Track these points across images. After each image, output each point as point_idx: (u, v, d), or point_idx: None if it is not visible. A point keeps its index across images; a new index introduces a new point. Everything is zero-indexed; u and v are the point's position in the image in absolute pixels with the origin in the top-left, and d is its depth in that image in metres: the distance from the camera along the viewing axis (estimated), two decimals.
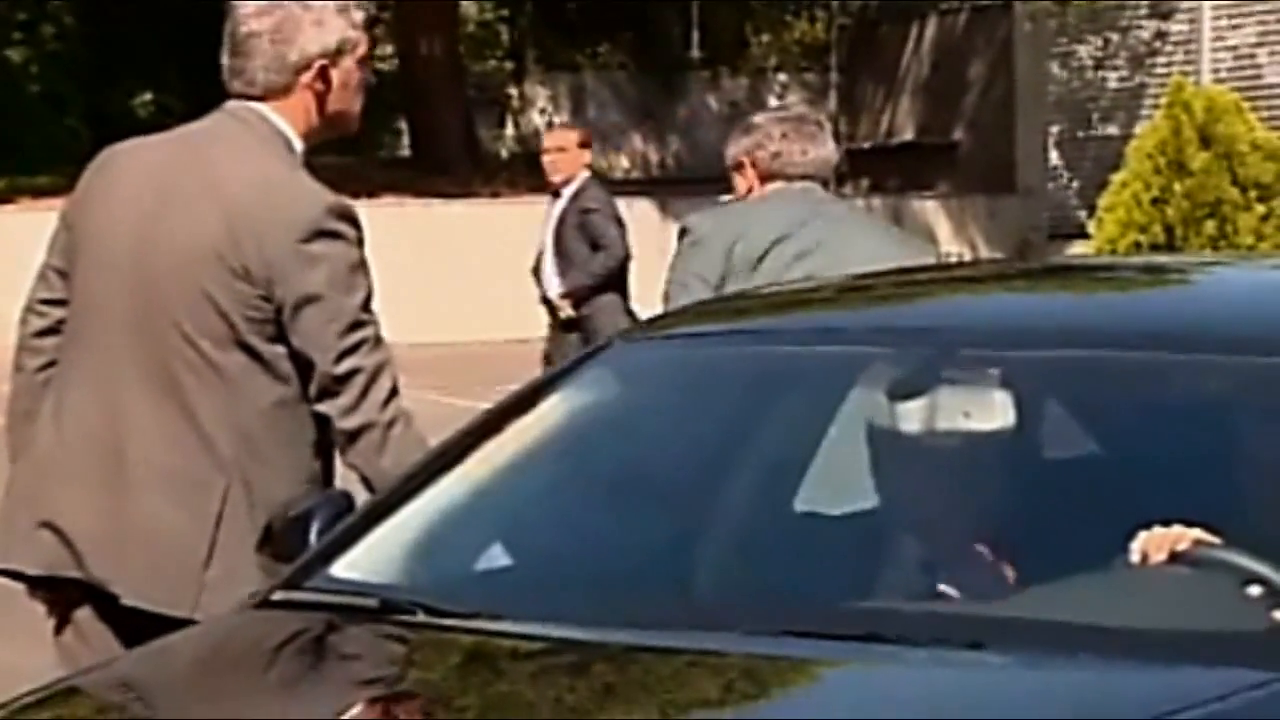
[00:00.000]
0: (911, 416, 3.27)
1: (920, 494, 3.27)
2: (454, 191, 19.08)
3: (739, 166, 5.22)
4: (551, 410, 3.58)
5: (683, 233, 5.12)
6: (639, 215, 19.92)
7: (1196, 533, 2.97)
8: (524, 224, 19.19)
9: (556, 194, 10.55)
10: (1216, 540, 2.97)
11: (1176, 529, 2.97)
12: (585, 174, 10.61)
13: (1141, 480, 3.22)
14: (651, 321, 3.70)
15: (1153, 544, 2.98)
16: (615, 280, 10.44)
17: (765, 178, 5.15)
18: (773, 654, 2.88)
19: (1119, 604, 2.91)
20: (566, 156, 10.52)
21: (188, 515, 3.82)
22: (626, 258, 10.45)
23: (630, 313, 10.22)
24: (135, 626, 3.76)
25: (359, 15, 4.01)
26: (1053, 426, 3.39)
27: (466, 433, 3.58)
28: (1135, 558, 2.98)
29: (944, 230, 20.48)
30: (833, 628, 2.92)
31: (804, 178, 5.12)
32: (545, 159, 10.59)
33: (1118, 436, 3.36)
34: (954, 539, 3.20)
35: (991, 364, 3.30)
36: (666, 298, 4.97)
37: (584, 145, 10.67)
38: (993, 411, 3.24)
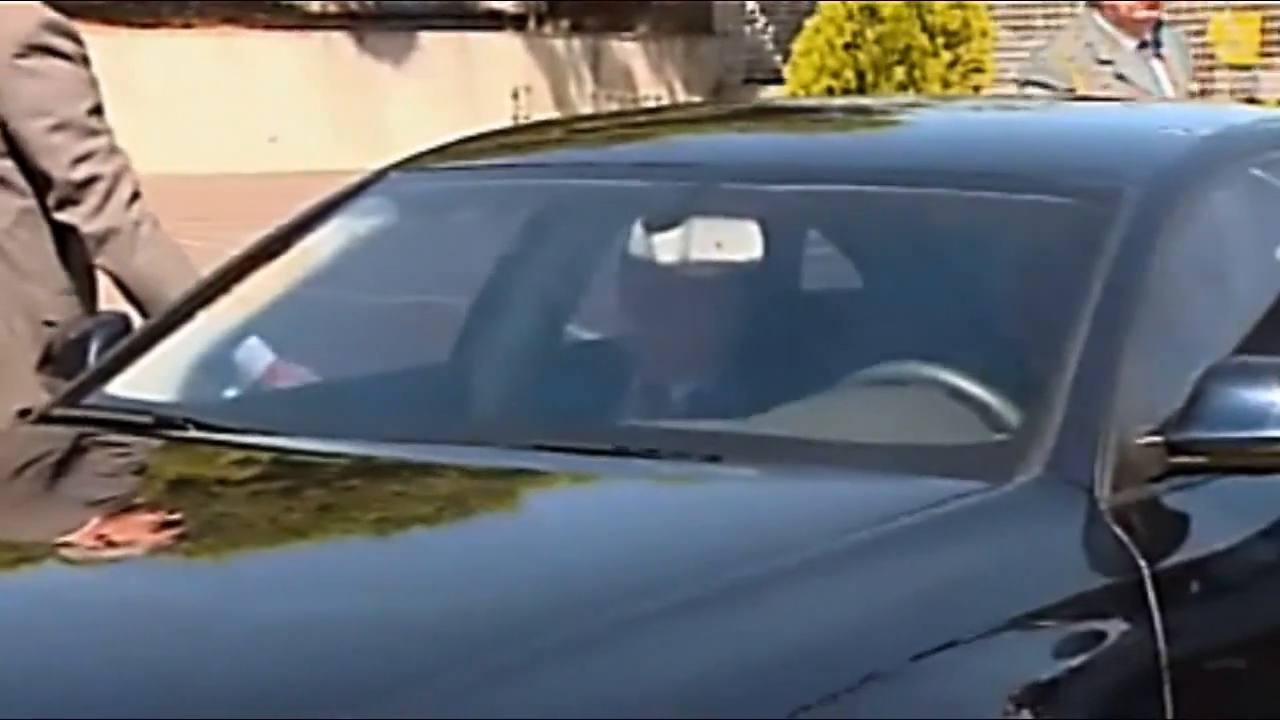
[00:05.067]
0: (667, 247, 3.44)
1: (672, 320, 3.44)
2: (144, 22, 18.72)
3: None
4: (328, 236, 3.70)
5: None
6: (337, 52, 19.25)
7: None
8: (213, 57, 18.50)
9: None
10: None
11: None
12: None
13: (875, 308, 3.42)
14: (426, 154, 3.83)
15: None
16: None
17: None
18: (524, 467, 3.06)
19: (849, 420, 3.11)
20: None
21: None
22: None
23: None
24: None
25: None
26: (799, 258, 3.58)
27: (243, 257, 3.69)
28: None
29: (641, 71, 20.37)
30: (582, 442, 3.10)
31: None
32: None
33: (860, 267, 3.56)
34: (702, 362, 3.38)
35: (749, 198, 3.48)
36: None
37: None
38: (744, 243, 3.43)
